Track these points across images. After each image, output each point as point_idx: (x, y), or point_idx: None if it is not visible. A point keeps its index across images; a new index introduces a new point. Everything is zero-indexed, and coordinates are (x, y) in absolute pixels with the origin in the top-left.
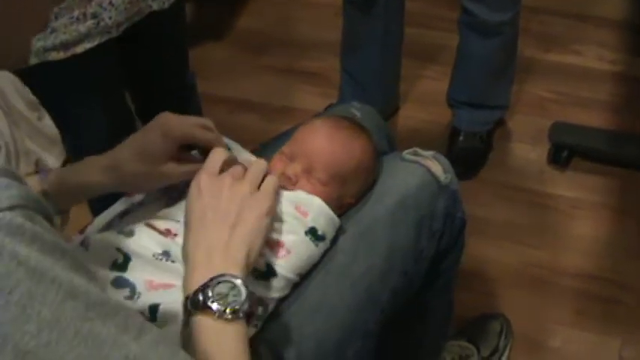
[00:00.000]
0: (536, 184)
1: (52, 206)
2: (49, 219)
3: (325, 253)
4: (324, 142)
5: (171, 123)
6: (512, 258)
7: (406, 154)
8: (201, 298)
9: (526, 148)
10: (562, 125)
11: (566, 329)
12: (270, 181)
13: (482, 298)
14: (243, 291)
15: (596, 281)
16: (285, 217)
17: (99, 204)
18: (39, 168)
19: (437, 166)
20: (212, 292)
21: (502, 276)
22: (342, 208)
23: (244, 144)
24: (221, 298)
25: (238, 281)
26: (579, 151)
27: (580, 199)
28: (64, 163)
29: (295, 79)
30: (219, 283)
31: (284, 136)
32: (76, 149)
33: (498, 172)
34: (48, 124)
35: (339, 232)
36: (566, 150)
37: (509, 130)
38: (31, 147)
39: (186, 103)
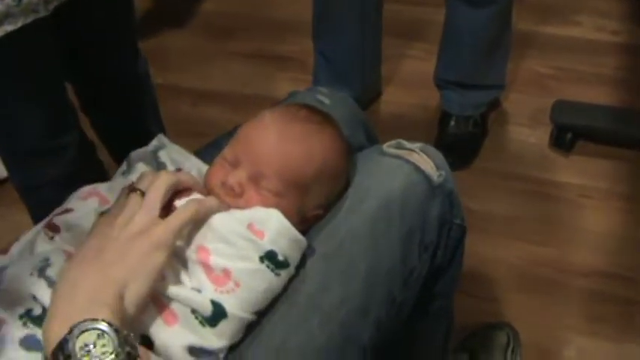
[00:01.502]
0: (538, 171)
1: None
2: None
3: (289, 282)
4: (273, 141)
5: None
6: (515, 257)
7: (387, 147)
8: (61, 358)
9: (525, 132)
10: (565, 104)
11: (581, 337)
12: (181, 212)
13: (483, 304)
14: (113, 336)
15: (611, 280)
16: (233, 238)
17: (40, 210)
18: None
19: (427, 161)
20: (74, 347)
21: (505, 278)
22: (305, 222)
23: (210, 140)
24: (86, 353)
25: (103, 325)
26: (584, 133)
27: (587, 187)
28: None
29: (266, 65)
30: (83, 332)
31: (229, 136)
32: (5, 149)
33: (495, 159)
34: None
35: (305, 252)
36: (570, 132)
37: (505, 112)
38: None
39: (138, 94)
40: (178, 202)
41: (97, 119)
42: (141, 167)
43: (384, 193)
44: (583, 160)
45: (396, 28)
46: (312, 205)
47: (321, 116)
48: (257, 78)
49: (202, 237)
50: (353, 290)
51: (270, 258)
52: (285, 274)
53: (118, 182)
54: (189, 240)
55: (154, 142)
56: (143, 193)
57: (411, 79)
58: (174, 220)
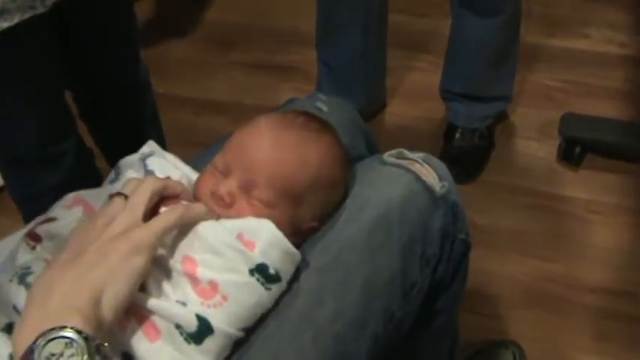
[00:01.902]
0: (545, 185)
1: None
2: None
3: (281, 297)
4: (266, 147)
5: None
6: (521, 273)
7: (388, 156)
8: None
9: (532, 145)
10: (573, 117)
11: (587, 355)
12: (165, 215)
13: (488, 321)
14: (83, 345)
15: (619, 297)
16: (221, 248)
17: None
18: None
19: (429, 171)
20: (39, 357)
21: (511, 294)
22: (300, 235)
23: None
24: None
25: (71, 333)
26: (593, 146)
27: (596, 202)
28: None
29: (269, 76)
30: (49, 341)
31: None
32: (4, 155)
33: (502, 173)
34: None
35: (299, 265)
36: (578, 145)
37: (512, 125)
38: None
39: (139, 101)
40: (164, 210)
41: (96, 126)
42: (129, 175)
43: (383, 202)
44: (591, 174)
45: (401, 39)
46: (306, 217)
47: (318, 123)
48: (259, 88)
49: (188, 246)
50: (349, 303)
51: (260, 271)
52: (276, 288)
53: (105, 190)
54: (174, 249)
55: (144, 149)
56: (127, 198)
57: (416, 90)
58: (158, 222)
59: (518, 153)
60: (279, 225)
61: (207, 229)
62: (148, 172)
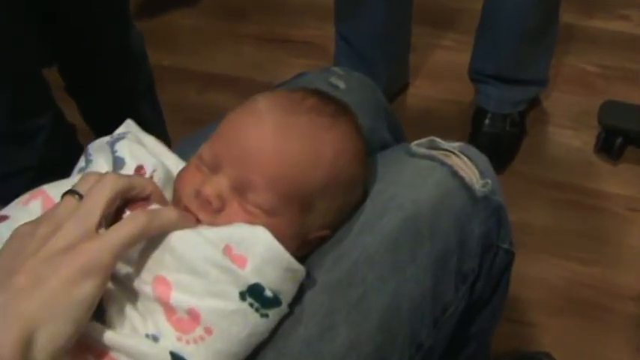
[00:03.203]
0: (582, 179)
1: None
2: None
3: (280, 323)
4: (267, 138)
5: None
6: (555, 276)
7: (417, 146)
8: None
9: (568, 134)
10: (615, 105)
11: None
12: (125, 224)
13: (519, 329)
14: None
15: None
16: (202, 266)
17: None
18: None
19: (468, 165)
20: None
21: (544, 300)
22: (306, 246)
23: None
24: None
25: None
26: (636, 138)
27: (637, 199)
28: None
29: (282, 51)
30: None
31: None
32: None
33: (534, 164)
34: None
35: (303, 283)
36: (620, 136)
37: (546, 112)
38: None
39: (132, 75)
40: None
41: (84, 101)
42: (101, 164)
43: (411, 203)
44: (632, 168)
45: (427, 15)
46: (315, 225)
47: (333, 106)
48: (271, 64)
49: (159, 264)
50: (365, 332)
51: (254, 294)
52: (274, 314)
53: (72, 181)
54: (141, 266)
55: (119, 130)
56: (81, 197)
57: (442, 71)
58: (115, 234)
59: (552, 142)
60: (281, 235)
61: (183, 241)
62: (117, 161)
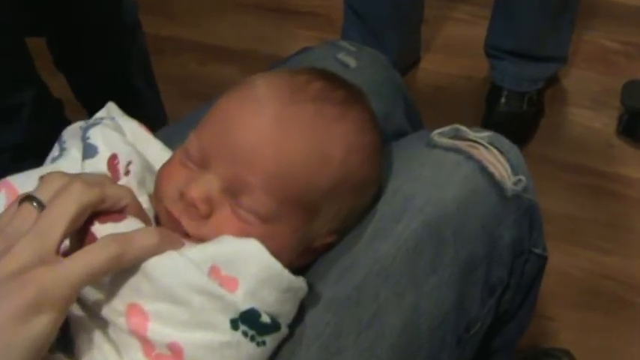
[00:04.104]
0: (602, 163)
1: None
2: None
3: (279, 345)
4: (265, 130)
5: None
6: (573, 267)
7: (439, 135)
8: None
9: (587, 115)
10: (639, 85)
11: None
12: (92, 252)
13: (536, 323)
14: None
15: None
16: (183, 293)
17: None
18: None
19: (498, 159)
20: None
21: (562, 292)
22: (310, 254)
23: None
24: None
25: None
26: None
27: None
28: None
29: (287, 21)
30: None
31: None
32: None
33: (551, 145)
34: None
35: (305, 298)
36: None
37: (565, 91)
38: None
39: (125, 47)
40: (98, 229)
41: (74, 76)
42: (74, 154)
43: (432, 206)
44: None
45: None
46: (321, 231)
47: (343, 92)
48: (275, 35)
49: (134, 290)
50: (378, 356)
51: (248, 320)
52: (272, 340)
53: (43, 171)
54: (113, 292)
55: (99, 113)
56: (42, 206)
57: (456, 45)
58: (77, 263)
59: (570, 123)
60: (281, 246)
61: (160, 265)
62: (88, 148)
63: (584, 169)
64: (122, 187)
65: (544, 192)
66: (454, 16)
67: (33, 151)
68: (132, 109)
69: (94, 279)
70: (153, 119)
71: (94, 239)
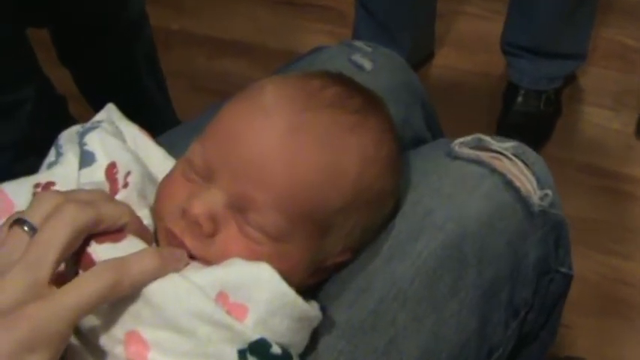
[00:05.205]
0: (621, 165)
1: None
2: None
3: None
4: (274, 143)
5: None
6: (590, 271)
7: (460, 145)
8: None
9: (606, 115)
10: None
11: None
12: (87, 281)
13: None
14: None
15: None
16: (188, 322)
17: None
18: None
19: (524, 172)
20: None
21: (577, 298)
22: (322, 273)
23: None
24: None
25: None
26: None
27: None
28: None
29: (299, 15)
30: None
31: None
32: None
33: (568, 146)
34: None
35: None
36: None
37: (582, 90)
38: None
39: (130, 41)
40: (95, 250)
41: (79, 71)
42: (70, 159)
43: (453, 223)
44: None
45: None
46: (335, 250)
47: (360, 99)
48: (286, 29)
49: (134, 316)
50: None
51: (257, 352)
52: None
53: (38, 179)
54: (112, 319)
55: (98, 116)
56: (33, 230)
57: (470, 40)
58: (72, 296)
59: (588, 123)
60: (291, 266)
61: (162, 290)
62: (85, 155)
63: (602, 171)
64: (119, 204)
65: (560, 194)
66: (469, 11)
67: (35, 148)
68: (138, 108)
69: (90, 311)
70: (161, 120)
71: (91, 261)
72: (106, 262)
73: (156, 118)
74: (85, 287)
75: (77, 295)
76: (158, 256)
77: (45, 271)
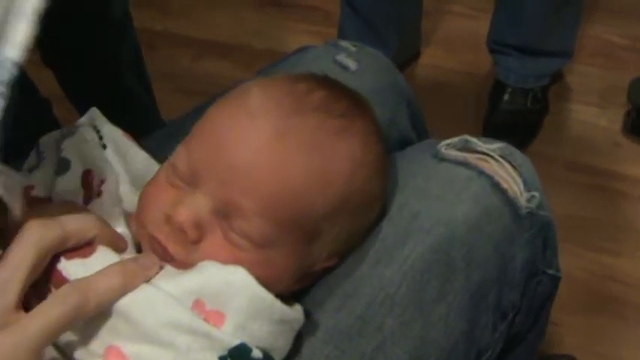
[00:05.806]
0: (608, 162)
1: None
2: None
3: None
4: (260, 149)
5: None
6: (578, 269)
7: (447, 147)
8: None
9: (593, 112)
10: None
11: None
12: (52, 305)
13: None
14: None
15: None
16: (165, 334)
17: None
18: None
19: (510, 174)
20: None
21: (566, 295)
22: (308, 278)
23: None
24: None
25: None
26: None
27: None
28: None
29: (284, 15)
30: None
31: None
32: None
33: (555, 144)
34: None
35: (303, 328)
36: None
37: (569, 87)
38: None
39: (114, 41)
40: (65, 266)
41: (63, 73)
42: (48, 166)
43: (441, 226)
44: None
45: None
46: (321, 255)
47: (346, 102)
48: (271, 29)
49: (112, 331)
50: None
51: (238, 357)
52: None
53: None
54: (90, 334)
55: (80, 121)
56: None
57: (457, 39)
58: (36, 322)
59: (575, 121)
60: (277, 272)
61: (137, 303)
62: (61, 163)
63: (589, 168)
64: (87, 217)
65: (547, 191)
66: (456, 9)
67: (19, 152)
68: (123, 109)
69: (57, 335)
70: (146, 120)
71: (62, 278)
72: (70, 284)
73: (141, 119)
74: (50, 312)
75: (43, 321)
76: (123, 273)
77: (11, 296)
